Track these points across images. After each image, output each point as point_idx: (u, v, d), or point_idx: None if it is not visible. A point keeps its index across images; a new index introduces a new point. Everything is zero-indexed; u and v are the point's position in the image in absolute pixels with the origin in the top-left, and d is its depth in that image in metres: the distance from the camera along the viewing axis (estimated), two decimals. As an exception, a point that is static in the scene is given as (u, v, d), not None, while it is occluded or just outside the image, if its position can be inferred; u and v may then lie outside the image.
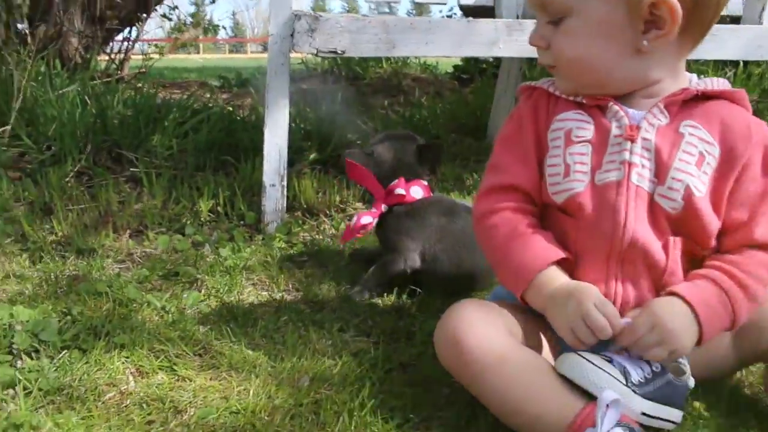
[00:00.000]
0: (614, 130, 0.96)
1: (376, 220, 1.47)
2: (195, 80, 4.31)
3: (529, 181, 1.01)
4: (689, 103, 0.96)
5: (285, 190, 1.90)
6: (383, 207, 1.47)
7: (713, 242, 0.97)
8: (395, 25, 1.88)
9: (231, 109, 2.69)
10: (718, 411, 1.01)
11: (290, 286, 1.50)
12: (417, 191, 1.49)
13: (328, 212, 2.00)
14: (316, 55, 1.88)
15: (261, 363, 1.14)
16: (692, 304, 0.91)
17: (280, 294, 1.45)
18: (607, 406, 0.82)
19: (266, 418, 0.99)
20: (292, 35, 1.83)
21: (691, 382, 0.94)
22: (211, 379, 1.10)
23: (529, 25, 1.98)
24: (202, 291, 1.44)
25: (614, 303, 0.94)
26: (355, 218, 1.46)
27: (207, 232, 1.82)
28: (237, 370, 1.12)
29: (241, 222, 1.89)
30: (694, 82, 0.99)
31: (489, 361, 0.91)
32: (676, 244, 0.96)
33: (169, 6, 3.86)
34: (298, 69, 3.87)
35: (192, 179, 2.08)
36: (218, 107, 2.62)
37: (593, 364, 0.89)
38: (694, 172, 0.94)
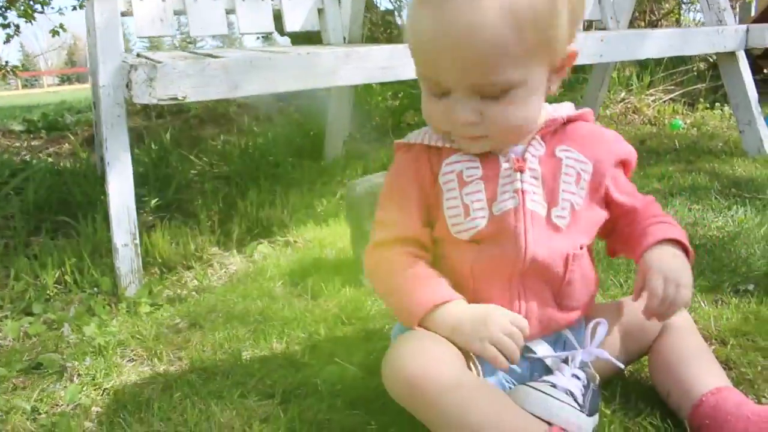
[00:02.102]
0: (503, 164, 1.04)
1: None
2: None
3: (419, 231, 1.06)
4: (557, 129, 1.07)
5: (138, 248, 1.80)
6: None
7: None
8: (235, 65, 1.85)
9: (51, 160, 2.48)
10: (615, 405, 1.12)
11: (172, 355, 1.42)
12: None
13: (185, 263, 1.93)
14: (156, 104, 1.80)
15: (167, 451, 1.09)
16: (674, 239, 1.06)
17: (164, 367, 1.38)
18: None
19: None
20: (127, 85, 1.73)
21: (621, 365, 1.06)
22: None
23: (364, 50, 2.04)
24: (75, 380, 1.33)
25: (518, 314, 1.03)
26: None
27: (60, 307, 1.68)
28: (144, 467, 1.06)
29: (95, 289, 1.76)
30: (550, 111, 1.09)
31: (445, 392, 0.91)
32: (574, 258, 1.06)
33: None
34: (87, 104, 3.64)
35: (27, 248, 1.90)
36: (41, 162, 2.41)
37: (546, 393, 0.95)
38: (575, 191, 1.06)
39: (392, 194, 1.09)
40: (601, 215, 1.10)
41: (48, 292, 1.73)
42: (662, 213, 1.12)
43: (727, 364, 1.26)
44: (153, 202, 2.33)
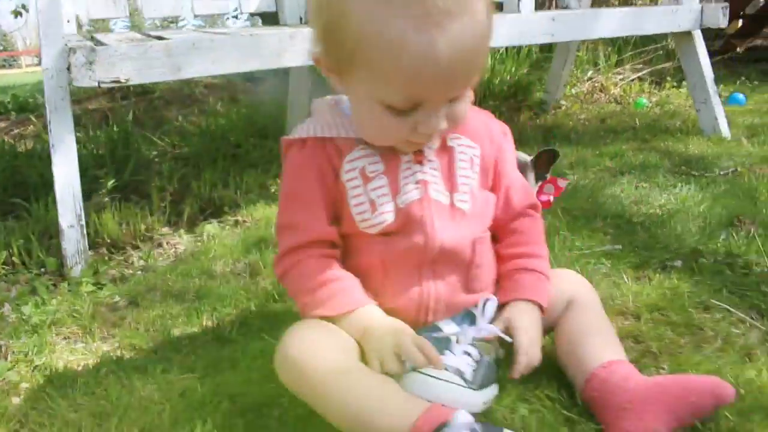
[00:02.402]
0: (404, 158, 1.06)
1: None
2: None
3: (326, 230, 1.07)
4: None
5: (84, 229, 1.83)
6: None
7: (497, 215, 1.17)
8: (177, 47, 1.87)
9: (12, 142, 2.50)
10: (515, 380, 1.16)
11: (105, 333, 1.46)
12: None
13: (134, 243, 1.96)
14: (98, 86, 1.82)
15: (85, 425, 1.12)
16: (533, 300, 1.11)
17: (96, 344, 1.42)
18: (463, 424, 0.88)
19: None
20: (68, 68, 1.75)
21: (501, 352, 1.10)
22: (31, 457, 1.07)
23: (309, 31, 2.05)
24: (9, 358, 1.37)
25: (428, 301, 1.08)
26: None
27: (5, 288, 1.71)
28: (60, 439, 1.10)
29: (43, 270, 1.79)
30: None
31: (329, 376, 0.95)
32: (481, 241, 1.11)
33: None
34: (84, 88, 3.64)
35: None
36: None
37: (435, 377, 0.99)
38: (471, 175, 1.10)
39: (295, 196, 1.09)
40: (492, 197, 1.15)
41: (-7, 272, 1.76)
42: (538, 246, 1.18)
43: (636, 339, 1.31)
44: (110, 183, 2.35)
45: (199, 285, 1.63)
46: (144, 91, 3.42)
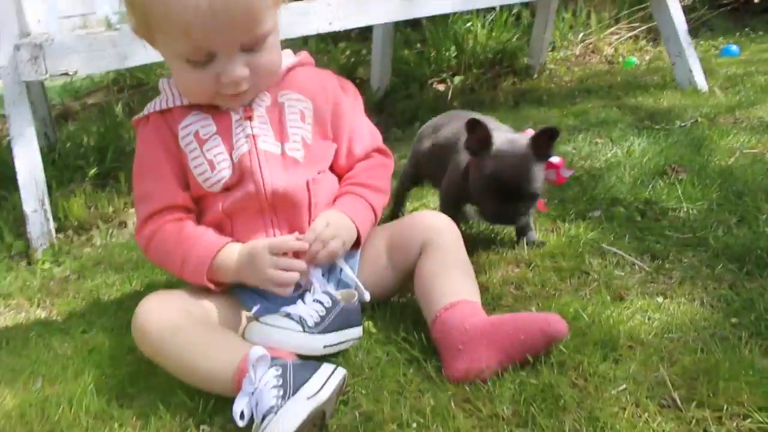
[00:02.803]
0: (234, 116, 1.16)
1: None
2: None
3: (177, 196, 1.17)
4: (281, 79, 1.21)
5: (48, 213, 1.98)
6: None
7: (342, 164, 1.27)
8: (122, 38, 1.99)
9: (-6, 140, 2.68)
10: (384, 323, 1.25)
11: (48, 303, 1.61)
12: None
13: (99, 225, 2.10)
14: (47, 78, 1.96)
15: (5, 379, 1.26)
16: (345, 212, 1.19)
17: (37, 312, 1.56)
18: (257, 359, 0.98)
19: (-2, 423, 1.12)
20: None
21: (367, 296, 1.19)
22: (-46, 405, 1.21)
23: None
24: (-42, 326, 1.53)
25: None
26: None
27: (-20, 270, 1.88)
28: (-19, 390, 1.24)
29: (12, 253, 1.95)
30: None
31: (165, 335, 1.07)
32: (314, 182, 1.20)
33: None
34: (83, 84, 3.84)
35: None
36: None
37: (272, 325, 1.08)
38: (302, 126, 1.20)
39: (144, 169, 1.19)
40: (332, 146, 1.24)
41: (-32, 256, 1.93)
42: (367, 178, 1.26)
43: (518, 285, 1.36)
44: (91, 171, 2.50)
45: (138, 257, 1.76)
46: (138, 83, 3.58)
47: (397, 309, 1.29)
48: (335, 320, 1.12)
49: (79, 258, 1.87)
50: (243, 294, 1.21)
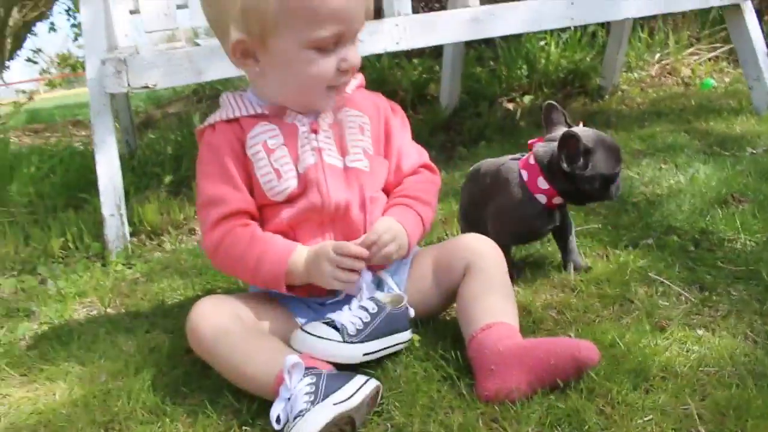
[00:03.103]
0: (301, 128, 1.24)
1: None
2: (73, 119, 4.45)
3: (245, 201, 1.23)
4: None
5: (125, 218, 2.12)
6: None
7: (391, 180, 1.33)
8: (198, 53, 2.12)
9: (82, 148, 2.87)
10: (425, 340, 1.29)
11: (118, 302, 1.73)
12: None
13: (170, 231, 2.23)
14: (130, 92, 2.11)
15: (73, 370, 1.38)
16: (397, 220, 1.24)
17: (108, 311, 1.68)
18: (292, 366, 1.05)
19: (63, 411, 1.22)
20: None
21: (411, 312, 1.23)
22: (27, 392, 1.32)
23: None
24: (39, 320, 1.66)
25: None
26: None
27: (62, 268, 2.03)
28: (51, 380, 1.35)
29: (91, 253, 2.10)
30: None
31: (215, 338, 1.15)
32: (372, 201, 1.26)
33: (32, 50, 4.01)
34: (165, 94, 4.06)
35: (45, 221, 2.28)
36: (71, 149, 2.81)
37: (312, 334, 1.14)
38: (362, 138, 1.27)
39: (213, 174, 1.24)
40: (386, 163, 1.31)
41: (54, 256, 2.09)
42: (415, 191, 1.31)
43: (561, 309, 1.37)
44: (167, 179, 2.66)
45: (203, 263, 1.87)
46: (216, 94, 3.76)
47: (441, 327, 1.33)
48: (379, 326, 1.17)
49: (149, 262, 1.99)
50: (292, 304, 1.28)
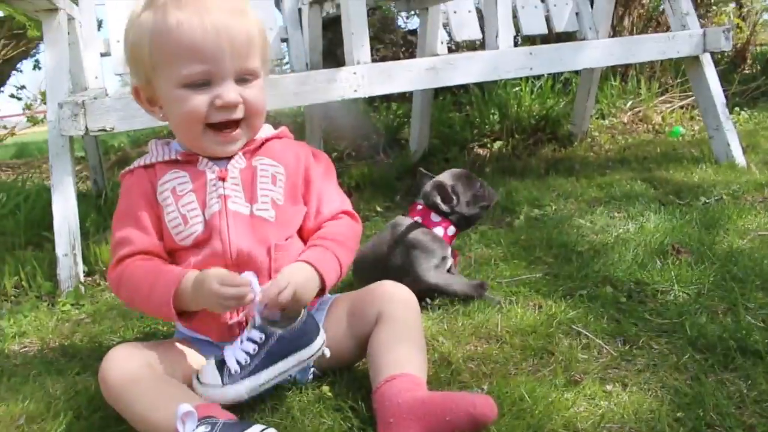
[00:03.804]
0: (209, 175, 1.27)
1: None
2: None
3: (151, 244, 1.27)
4: (256, 148, 1.32)
5: (78, 258, 2.14)
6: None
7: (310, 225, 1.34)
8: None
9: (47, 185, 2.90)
10: (339, 389, 1.29)
11: (57, 343, 1.74)
12: None
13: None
14: (86, 134, 2.14)
15: (-5, 413, 1.38)
16: (310, 262, 1.24)
17: (45, 351, 1.69)
18: (184, 415, 1.06)
19: (-25, 458, 1.23)
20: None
21: (327, 353, 1.23)
22: (-54, 435, 1.33)
23: (276, 78, 2.29)
24: (-24, 360, 1.67)
25: (241, 306, 1.22)
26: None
27: (10, 307, 2.04)
28: (-27, 423, 1.36)
29: (42, 293, 2.11)
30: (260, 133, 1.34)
31: (123, 386, 1.16)
32: (276, 248, 1.28)
33: (15, 86, 4.08)
34: (144, 133, 4.11)
35: (3, 258, 2.30)
36: (39, 186, 2.84)
37: (199, 381, 1.17)
38: (273, 188, 1.29)
39: (126, 215, 1.29)
40: (302, 210, 1.33)
41: (4, 294, 2.11)
42: (332, 233, 1.32)
43: (480, 360, 1.38)
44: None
45: (146, 305, 1.87)
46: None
47: (359, 376, 1.34)
48: (271, 354, 1.16)
49: (97, 303, 2.00)
50: (207, 350, 1.29)
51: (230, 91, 1.22)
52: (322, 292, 1.27)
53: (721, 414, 1.11)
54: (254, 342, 1.17)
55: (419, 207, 1.79)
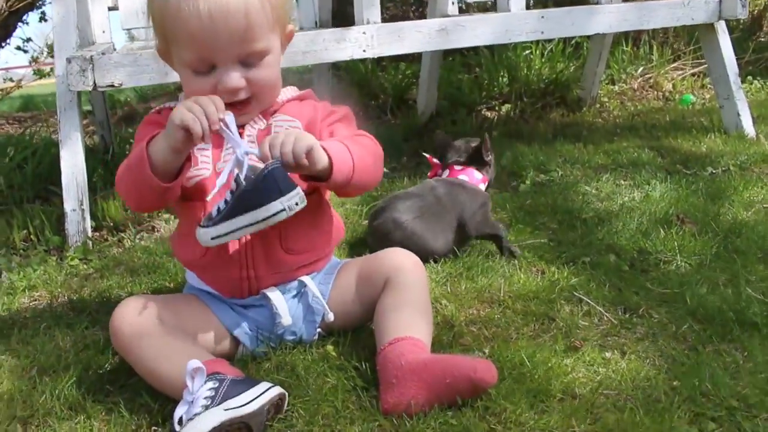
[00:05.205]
0: None
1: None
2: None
3: None
4: (277, 109, 1.32)
5: (86, 213, 2.15)
6: None
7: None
8: (165, 56, 2.15)
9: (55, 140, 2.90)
10: (344, 350, 1.32)
11: (66, 297, 1.76)
12: None
13: (131, 227, 2.27)
14: (94, 89, 2.14)
15: (6, 363, 1.41)
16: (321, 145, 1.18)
17: (55, 305, 1.72)
18: (194, 370, 1.08)
19: (-10, 407, 1.26)
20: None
21: (331, 316, 1.28)
22: (-39, 386, 1.36)
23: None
24: (-14, 313, 1.70)
25: (249, 260, 1.27)
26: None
27: (19, 261, 2.06)
28: (-13, 374, 1.39)
29: (50, 247, 2.14)
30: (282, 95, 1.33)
31: (134, 339, 1.19)
32: None
33: (22, 38, 4.05)
34: (152, 88, 4.09)
35: (11, 212, 2.32)
36: (47, 140, 2.84)
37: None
38: None
39: (142, 135, 1.26)
40: None
41: (13, 247, 2.13)
42: (350, 137, 1.28)
43: (482, 325, 1.40)
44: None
45: (154, 262, 1.90)
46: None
47: (364, 337, 1.36)
48: (231, 207, 1.14)
49: (105, 258, 2.03)
50: (215, 306, 1.32)
51: (231, 78, 1.20)
52: (329, 174, 1.18)
53: (716, 384, 1.13)
54: (231, 192, 1.16)
55: (458, 167, 1.89)
